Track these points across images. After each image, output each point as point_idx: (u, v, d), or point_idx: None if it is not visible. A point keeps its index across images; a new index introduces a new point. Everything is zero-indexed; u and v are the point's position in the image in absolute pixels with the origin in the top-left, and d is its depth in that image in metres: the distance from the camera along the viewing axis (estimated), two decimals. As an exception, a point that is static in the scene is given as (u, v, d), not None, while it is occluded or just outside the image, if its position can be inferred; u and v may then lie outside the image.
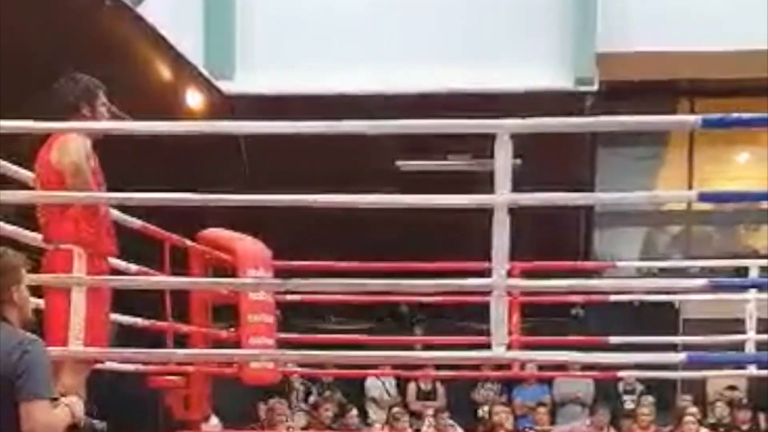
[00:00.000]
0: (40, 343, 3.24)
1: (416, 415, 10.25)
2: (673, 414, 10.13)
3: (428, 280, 4.97)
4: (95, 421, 3.52)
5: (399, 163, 10.09)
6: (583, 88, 9.61)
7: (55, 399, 3.19)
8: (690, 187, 11.02)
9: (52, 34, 6.94)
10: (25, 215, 4.86)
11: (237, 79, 9.77)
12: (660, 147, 11.69)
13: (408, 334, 10.44)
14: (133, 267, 5.72)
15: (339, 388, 10.41)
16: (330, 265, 6.84)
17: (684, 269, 9.50)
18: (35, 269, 4.60)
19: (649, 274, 10.32)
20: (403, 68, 9.53)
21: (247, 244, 6.85)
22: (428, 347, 8.62)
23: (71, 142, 4.58)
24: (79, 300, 4.51)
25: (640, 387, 10.56)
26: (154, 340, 6.14)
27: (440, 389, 10.49)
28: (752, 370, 7.39)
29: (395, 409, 9.87)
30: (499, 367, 8.57)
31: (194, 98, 8.93)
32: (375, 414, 10.44)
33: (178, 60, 8.55)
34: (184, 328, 6.47)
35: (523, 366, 9.08)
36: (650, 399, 10.12)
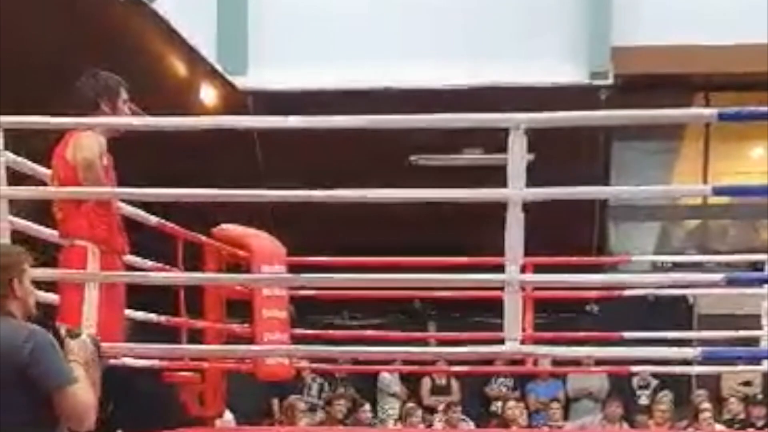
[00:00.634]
0: (44, 331, 3.30)
1: (430, 411, 10.25)
2: (687, 410, 10.10)
3: (442, 275, 4.97)
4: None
5: (412, 158, 10.08)
6: (597, 82, 9.59)
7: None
8: (705, 182, 10.96)
9: (66, 31, 6.96)
10: (42, 211, 4.89)
11: (250, 75, 9.78)
12: (675, 141, 11.63)
13: (421, 330, 10.44)
14: (149, 263, 5.74)
15: (352, 385, 10.42)
16: (343, 261, 6.84)
17: (699, 264, 9.46)
18: (51, 265, 4.63)
19: (664, 269, 10.29)
20: (416, 64, 9.53)
21: (261, 241, 6.86)
22: (442, 343, 8.62)
23: (86, 138, 4.59)
24: (92, 296, 4.53)
25: (654, 382, 10.53)
26: (170, 336, 6.15)
27: (454, 384, 10.49)
28: (767, 366, 7.36)
29: (408, 405, 9.87)
30: (513, 362, 8.56)
31: (208, 94, 8.94)
32: (388, 409, 10.44)
33: (191, 55, 8.56)
34: (199, 324, 6.49)
35: (535, 362, 9.06)
36: (668, 395, 10.09)
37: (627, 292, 7.81)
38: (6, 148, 4.61)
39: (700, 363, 7.47)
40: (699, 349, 5.12)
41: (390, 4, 9.99)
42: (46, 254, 4.75)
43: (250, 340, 6.56)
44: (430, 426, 9.98)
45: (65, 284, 4.60)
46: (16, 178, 4.77)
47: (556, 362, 9.57)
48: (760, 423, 10.00)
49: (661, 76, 10.29)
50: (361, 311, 10.81)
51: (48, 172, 4.82)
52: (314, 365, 9.06)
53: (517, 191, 4.28)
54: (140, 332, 5.80)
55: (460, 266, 6.35)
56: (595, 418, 10.09)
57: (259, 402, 9.80)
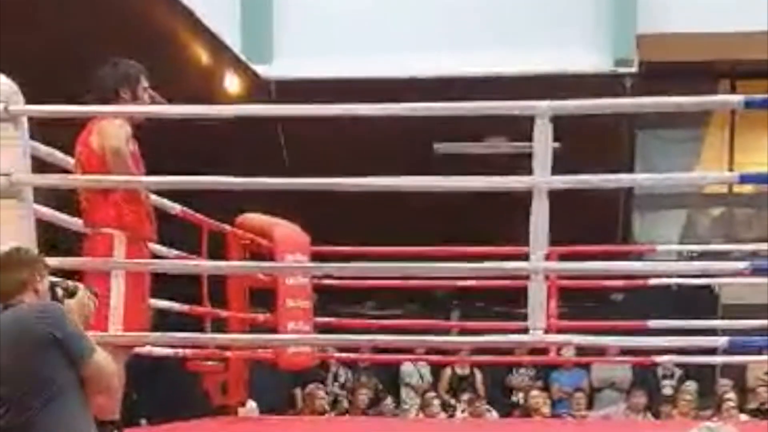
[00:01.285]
0: (56, 304, 3.38)
1: (452, 401, 10.24)
2: (711, 399, 10.04)
3: (466, 264, 4.95)
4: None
5: (436, 146, 10.06)
6: (622, 70, 9.51)
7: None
8: (730, 171, 10.88)
9: (90, 21, 6.97)
10: (66, 200, 4.90)
11: (275, 63, 9.78)
12: (700, 130, 11.55)
13: (444, 319, 10.42)
14: (173, 252, 5.75)
15: (375, 375, 10.42)
16: (366, 250, 6.84)
17: (725, 253, 9.39)
18: (73, 254, 4.64)
19: (689, 257, 10.22)
20: (440, 52, 9.49)
21: (285, 230, 6.87)
22: (464, 332, 8.60)
23: (111, 126, 4.60)
24: (118, 284, 4.54)
25: (678, 372, 10.47)
26: (193, 325, 6.16)
27: (478, 374, 10.48)
28: (794, 355, 7.29)
29: (428, 394, 9.86)
30: (535, 351, 8.54)
31: (232, 82, 8.95)
32: (409, 399, 10.44)
33: (216, 44, 8.57)
34: (223, 313, 6.50)
35: (559, 351, 9.03)
36: (692, 385, 10.03)
37: (651, 281, 7.77)
38: (31, 137, 4.63)
39: (726, 352, 7.42)
40: (724, 338, 5.09)
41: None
42: (68, 243, 4.78)
43: (273, 329, 6.57)
44: (452, 416, 9.97)
45: (91, 272, 4.61)
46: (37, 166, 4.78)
47: (580, 352, 9.55)
48: (788, 412, 9.92)
49: (687, 63, 10.21)
50: (384, 301, 10.80)
51: (71, 160, 4.83)
52: (337, 354, 9.07)
53: (542, 179, 4.26)
54: (164, 321, 5.83)
55: (483, 255, 6.32)
56: (618, 408, 10.05)
57: (282, 392, 9.82)
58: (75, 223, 4.92)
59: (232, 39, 9.11)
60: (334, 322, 7.82)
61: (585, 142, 8.12)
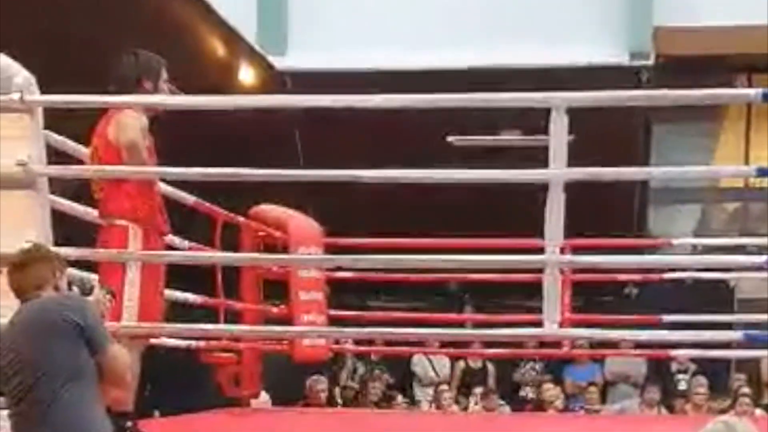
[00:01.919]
0: (77, 295, 3.56)
1: (464, 394, 10.22)
2: (726, 394, 10.00)
3: (481, 257, 4.93)
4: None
5: (450, 138, 10.03)
6: (638, 63, 9.47)
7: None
8: (747, 164, 10.82)
9: (106, 12, 6.97)
10: (82, 191, 4.90)
11: (290, 55, 9.77)
12: (716, 124, 11.49)
13: (457, 313, 10.40)
14: (186, 243, 5.75)
15: (387, 369, 10.39)
16: (380, 242, 6.82)
17: (740, 247, 9.34)
18: (88, 245, 4.64)
19: (705, 251, 10.18)
20: (455, 44, 9.46)
21: (299, 222, 6.86)
22: (478, 325, 8.58)
23: (128, 118, 4.59)
24: (133, 276, 4.54)
25: (693, 367, 10.44)
26: (207, 316, 6.16)
27: (490, 368, 10.45)
28: (809, 350, 7.25)
29: (440, 387, 9.84)
30: (546, 344, 8.51)
31: (247, 74, 8.94)
32: (422, 392, 10.42)
33: (231, 35, 8.56)
34: (236, 305, 6.50)
35: (573, 344, 9.00)
36: (707, 380, 9.98)
37: (666, 275, 7.73)
38: (46, 127, 4.63)
39: (741, 347, 7.38)
40: (740, 332, 5.06)
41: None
42: (82, 234, 4.78)
43: (287, 321, 6.56)
44: (465, 409, 9.95)
45: (105, 264, 4.61)
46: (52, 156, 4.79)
47: (594, 345, 9.51)
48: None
49: (703, 57, 10.16)
50: (398, 293, 10.79)
51: (87, 151, 4.83)
52: (351, 347, 9.07)
53: (558, 172, 4.24)
54: (178, 313, 5.83)
55: (498, 248, 6.30)
56: (632, 402, 10.01)
57: (295, 384, 9.81)
58: (90, 213, 4.92)
59: (248, 30, 9.10)
60: (348, 315, 7.81)
61: (600, 135, 8.09)
